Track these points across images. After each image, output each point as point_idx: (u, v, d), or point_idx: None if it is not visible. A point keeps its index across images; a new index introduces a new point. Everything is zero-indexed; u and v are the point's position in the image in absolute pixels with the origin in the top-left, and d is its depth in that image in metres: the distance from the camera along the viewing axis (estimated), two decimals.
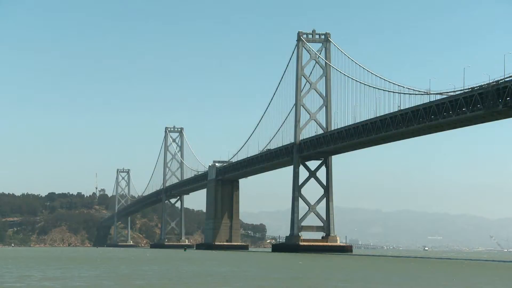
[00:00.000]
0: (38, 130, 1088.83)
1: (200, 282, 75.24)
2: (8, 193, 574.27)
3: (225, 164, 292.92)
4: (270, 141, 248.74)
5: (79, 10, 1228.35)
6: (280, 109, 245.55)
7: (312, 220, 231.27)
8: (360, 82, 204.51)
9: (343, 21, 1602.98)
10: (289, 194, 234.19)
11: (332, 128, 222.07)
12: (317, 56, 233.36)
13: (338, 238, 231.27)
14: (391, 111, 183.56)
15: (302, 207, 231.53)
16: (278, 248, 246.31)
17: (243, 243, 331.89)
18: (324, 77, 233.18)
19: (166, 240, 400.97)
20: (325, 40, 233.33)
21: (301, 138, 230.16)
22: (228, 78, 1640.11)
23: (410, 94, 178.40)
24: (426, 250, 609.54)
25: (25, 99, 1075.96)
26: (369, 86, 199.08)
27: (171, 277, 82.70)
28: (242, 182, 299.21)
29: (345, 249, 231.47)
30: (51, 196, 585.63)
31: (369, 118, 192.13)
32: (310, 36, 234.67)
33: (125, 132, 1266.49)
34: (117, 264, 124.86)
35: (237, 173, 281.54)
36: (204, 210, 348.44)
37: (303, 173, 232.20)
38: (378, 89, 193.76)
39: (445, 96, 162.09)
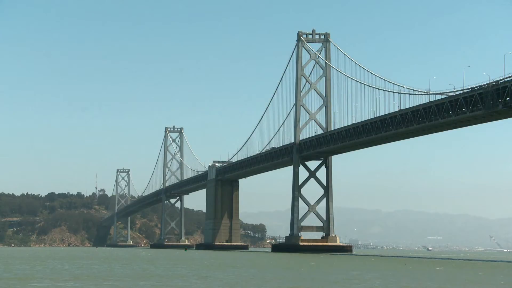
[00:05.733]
0: (38, 130, 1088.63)
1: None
2: (8, 193, 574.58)
3: (225, 164, 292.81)
4: (270, 141, 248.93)
5: (79, 10, 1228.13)
6: (280, 109, 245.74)
7: (312, 220, 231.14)
8: (360, 82, 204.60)
9: (343, 21, 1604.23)
10: (289, 194, 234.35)
11: (332, 128, 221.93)
12: (317, 56, 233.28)
13: (338, 238, 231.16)
14: (391, 111, 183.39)
15: (302, 207, 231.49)
16: (278, 248, 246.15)
17: (243, 243, 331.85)
18: (324, 77, 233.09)
19: (166, 240, 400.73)
20: (325, 40, 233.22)
21: (301, 138, 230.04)
22: (228, 78, 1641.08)
23: (410, 94, 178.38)
24: (430, 250, 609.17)
25: (25, 99, 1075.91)
26: (369, 86, 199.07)
27: None
28: (242, 182, 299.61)
29: (345, 249, 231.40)
30: (51, 196, 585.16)
31: (369, 118, 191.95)
32: (310, 36, 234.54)
33: (125, 132, 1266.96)
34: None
35: (237, 173, 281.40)
36: (204, 210, 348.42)
37: (303, 173, 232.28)
38: (378, 89, 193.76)
39: (445, 96, 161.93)
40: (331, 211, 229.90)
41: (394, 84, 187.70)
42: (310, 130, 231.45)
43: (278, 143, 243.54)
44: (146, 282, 76.37)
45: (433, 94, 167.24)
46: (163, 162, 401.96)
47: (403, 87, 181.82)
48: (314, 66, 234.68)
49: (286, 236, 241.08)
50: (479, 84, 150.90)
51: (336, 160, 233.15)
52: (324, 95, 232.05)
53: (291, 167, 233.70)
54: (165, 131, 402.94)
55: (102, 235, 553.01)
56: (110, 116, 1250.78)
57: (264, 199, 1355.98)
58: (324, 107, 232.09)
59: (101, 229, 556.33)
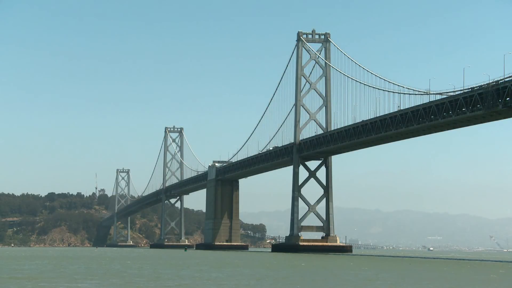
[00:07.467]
0: (38, 130, 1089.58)
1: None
2: (8, 193, 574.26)
3: (225, 164, 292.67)
4: (270, 141, 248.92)
5: (79, 10, 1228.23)
6: (280, 109, 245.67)
7: (312, 220, 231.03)
8: (360, 82, 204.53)
9: (343, 21, 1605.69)
10: (289, 194, 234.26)
11: (332, 128, 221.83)
12: (317, 56, 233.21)
13: (338, 238, 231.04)
14: (391, 111, 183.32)
15: (302, 207, 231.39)
16: (278, 248, 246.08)
17: (243, 243, 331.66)
18: (324, 77, 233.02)
19: (166, 240, 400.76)
20: (325, 40, 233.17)
21: (301, 138, 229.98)
22: (228, 78, 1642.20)
23: (410, 94, 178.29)
24: (431, 250, 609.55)
25: (25, 99, 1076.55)
26: (369, 86, 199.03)
27: None
28: (242, 182, 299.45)
29: (344, 249, 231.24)
30: (51, 196, 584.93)
31: (369, 118, 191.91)
32: (310, 36, 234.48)
33: (125, 132, 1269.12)
34: None
35: (237, 173, 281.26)
36: (204, 210, 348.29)
37: (303, 173, 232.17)
38: (378, 89, 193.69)
39: (445, 96, 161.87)
40: (331, 211, 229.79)
41: (394, 84, 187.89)
42: (310, 130, 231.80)
43: (278, 143, 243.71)
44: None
45: (433, 94, 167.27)
46: (163, 162, 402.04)
47: (403, 87, 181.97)
48: (314, 66, 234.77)
49: (286, 236, 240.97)
50: (479, 84, 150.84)
51: (336, 160, 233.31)
52: (324, 95, 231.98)
53: (291, 167, 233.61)
54: (165, 131, 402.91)
55: (102, 235, 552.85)
56: (110, 116, 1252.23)
57: (264, 199, 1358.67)
58: (324, 107, 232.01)
59: (101, 229, 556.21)
